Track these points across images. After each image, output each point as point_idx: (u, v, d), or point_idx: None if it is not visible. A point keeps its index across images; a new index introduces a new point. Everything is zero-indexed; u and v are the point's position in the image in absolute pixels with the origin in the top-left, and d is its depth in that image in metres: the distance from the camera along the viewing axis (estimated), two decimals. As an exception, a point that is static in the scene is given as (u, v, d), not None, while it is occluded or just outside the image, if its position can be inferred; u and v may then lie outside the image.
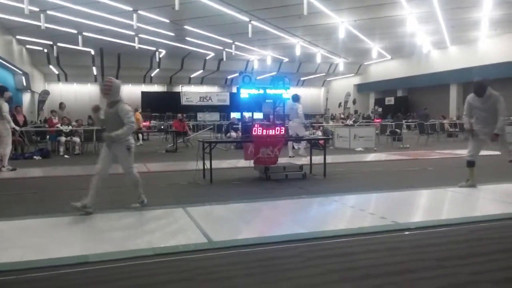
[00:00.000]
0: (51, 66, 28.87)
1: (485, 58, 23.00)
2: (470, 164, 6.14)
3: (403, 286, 2.81)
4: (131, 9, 16.27)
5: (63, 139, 12.70)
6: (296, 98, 11.25)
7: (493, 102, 5.83)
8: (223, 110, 33.42)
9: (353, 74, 35.76)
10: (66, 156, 12.19)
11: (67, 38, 21.46)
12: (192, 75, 34.68)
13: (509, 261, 3.23)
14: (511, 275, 2.95)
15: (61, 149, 12.55)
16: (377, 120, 23.66)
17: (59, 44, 23.31)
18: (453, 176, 7.10)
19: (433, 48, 26.93)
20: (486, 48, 23.81)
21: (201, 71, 32.47)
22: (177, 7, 13.87)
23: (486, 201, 5.53)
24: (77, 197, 4.85)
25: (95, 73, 31.32)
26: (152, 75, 33.60)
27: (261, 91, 7.61)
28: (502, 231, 4.05)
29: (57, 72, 31.32)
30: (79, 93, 34.98)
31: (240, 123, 15.81)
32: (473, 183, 6.11)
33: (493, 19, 18.56)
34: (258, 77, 20.49)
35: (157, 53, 27.21)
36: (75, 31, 20.08)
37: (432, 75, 27.70)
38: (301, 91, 38.98)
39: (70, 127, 13.46)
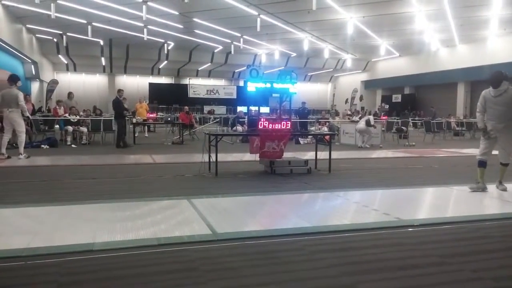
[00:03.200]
0: (60, 56, 29.03)
1: (494, 57, 22.79)
2: (482, 164, 5.84)
3: (405, 281, 2.83)
4: (140, 0, 16.30)
5: (70, 128, 12.81)
6: None
7: (509, 97, 5.61)
8: (230, 104, 33.45)
9: (360, 71, 35.60)
10: (73, 145, 12.30)
11: (76, 28, 21.55)
12: (200, 68, 34.70)
13: (510, 259, 3.24)
14: (513, 273, 2.96)
15: (69, 138, 12.67)
16: (384, 117, 23.56)
17: (68, 33, 23.43)
18: (458, 174, 7.10)
19: (442, 46, 26.72)
20: (496, 47, 23.59)
21: (209, 64, 32.48)
22: (186, -1, 13.88)
23: (491, 199, 5.52)
24: (84, 186, 4.90)
25: (103, 63, 31.45)
26: (160, 67, 33.67)
27: (268, 85, 7.62)
28: (505, 230, 4.06)
29: (66, 62, 31.48)
30: (87, 83, 35.17)
31: (246, 117, 15.84)
32: (484, 186, 5.81)
33: (503, 18, 18.37)
34: (266, 71, 20.42)
35: (165, 45, 27.25)
36: (84, 21, 20.16)
37: (440, 73, 27.52)
38: (308, 86, 39.10)
39: (78, 117, 13.56)
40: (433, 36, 23.46)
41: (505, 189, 5.83)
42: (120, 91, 12.80)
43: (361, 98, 35.55)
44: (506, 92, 5.65)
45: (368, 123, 12.99)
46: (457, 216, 4.59)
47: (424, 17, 18.55)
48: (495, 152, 5.90)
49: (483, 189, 5.81)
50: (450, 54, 27.17)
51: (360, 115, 16.71)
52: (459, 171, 7.51)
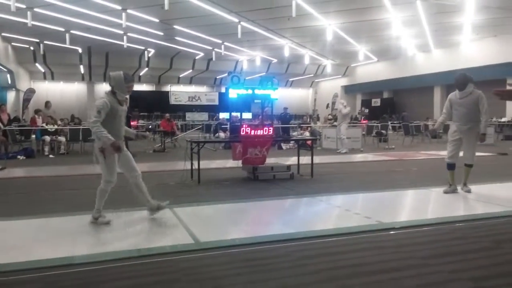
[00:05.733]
0: (37, 64, 28.47)
1: (467, 61, 23.45)
2: (451, 167, 5.99)
3: (388, 284, 2.88)
4: (120, 7, 16.16)
5: (48, 138, 12.54)
6: None
7: (474, 99, 5.74)
8: (212, 110, 33.38)
9: (340, 76, 36.06)
10: (51, 155, 12.05)
11: (54, 36, 21.19)
12: (181, 75, 34.56)
13: (487, 260, 3.33)
14: (490, 272, 3.04)
15: (46, 148, 12.40)
16: (364, 121, 23.91)
17: (46, 42, 23.00)
18: (437, 176, 7.24)
19: (418, 51, 27.35)
20: (469, 52, 24.31)
21: (190, 70, 32.38)
22: (166, 6, 13.83)
23: (468, 201, 5.66)
24: (63, 198, 4.81)
25: (82, 71, 30.98)
26: (141, 74, 33.37)
27: (250, 91, 7.65)
28: (482, 231, 4.16)
29: (43, 70, 30.90)
30: (65, 92, 34.56)
31: (228, 123, 15.82)
32: (455, 188, 5.99)
33: (475, 23, 18.94)
34: (247, 78, 20.49)
35: (146, 52, 27.05)
36: (62, 29, 19.85)
37: (416, 78, 28.14)
38: (289, 92, 39.33)
39: (56, 126, 13.30)
40: (410, 42, 23.99)
41: (469, 191, 5.98)
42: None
43: (327, 106, 34.90)
44: (471, 94, 5.79)
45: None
46: (436, 218, 4.68)
47: (400, 23, 18.97)
48: (480, 153, 6.04)
49: (454, 191, 5.98)
50: (426, 59, 27.82)
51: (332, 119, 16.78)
52: (437, 173, 7.67)
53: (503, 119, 22.44)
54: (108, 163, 4.24)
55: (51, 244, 3.76)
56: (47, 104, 14.67)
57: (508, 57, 21.93)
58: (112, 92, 4.30)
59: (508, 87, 3.94)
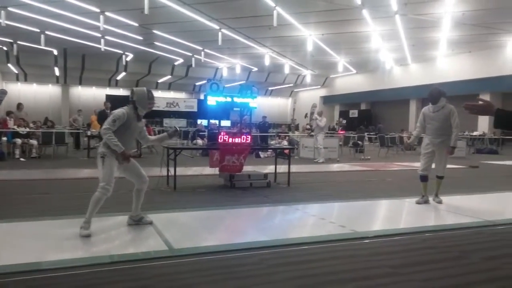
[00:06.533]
0: (9, 65, 27.67)
1: (442, 76, 24.18)
2: (424, 178, 6.13)
3: (358, 293, 2.90)
4: (98, 10, 15.95)
5: (19, 141, 12.18)
6: None
7: (446, 113, 5.90)
8: (191, 117, 33.19)
9: (319, 86, 36.52)
10: (22, 159, 11.71)
11: (28, 37, 20.68)
12: (160, 80, 34.27)
13: (457, 269, 3.41)
14: (459, 281, 3.11)
15: (17, 151, 12.03)
16: (341, 132, 24.23)
17: (19, 42, 22.41)
18: (410, 187, 7.40)
19: (396, 64, 28.06)
20: (444, 67, 25.07)
21: (169, 76, 32.16)
22: (146, 11, 13.73)
23: (439, 212, 5.79)
24: (34, 202, 4.67)
25: (57, 74, 30.32)
26: (118, 78, 32.93)
27: (229, 99, 7.65)
28: (451, 241, 4.26)
29: (16, 72, 30.08)
30: (39, 94, 33.74)
31: (207, 130, 15.76)
32: (427, 199, 6.13)
33: (451, 39, 19.59)
34: (227, 85, 20.47)
35: (123, 56, 26.71)
36: (37, 30, 19.41)
37: (394, 90, 28.80)
38: (269, 101, 39.56)
39: (27, 129, 12.94)
40: (388, 55, 24.59)
41: (440, 202, 6.14)
42: (106, 103, 12.63)
43: (305, 116, 35.00)
44: (444, 108, 5.95)
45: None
46: (408, 228, 4.78)
47: (379, 37, 19.43)
48: (452, 166, 6.21)
49: (426, 202, 6.13)
50: (403, 73, 28.55)
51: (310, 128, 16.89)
52: (410, 184, 7.83)
53: (474, 133, 23.16)
54: (108, 169, 4.19)
55: (19, 248, 3.63)
56: (19, 106, 14.25)
57: (481, 73, 22.71)
58: (134, 107, 4.36)
59: (479, 102, 4.02)
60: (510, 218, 5.43)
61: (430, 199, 6.18)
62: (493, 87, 23.08)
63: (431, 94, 6.05)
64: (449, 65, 24.82)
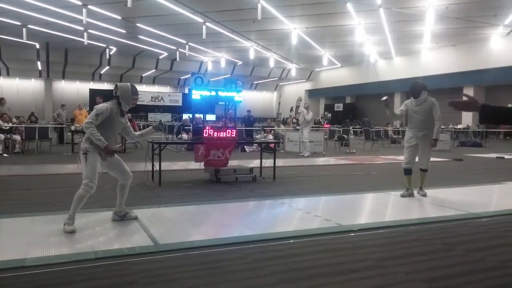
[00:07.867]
0: (-10, 59, 27.09)
1: (426, 69, 24.48)
2: (408, 172, 6.20)
3: (344, 285, 2.93)
4: (80, 3, 15.66)
5: (2, 136, 11.93)
6: None
7: (428, 106, 5.98)
8: (176, 111, 32.97)
9: (304, 80, 36.64)
10: (5, 154, 11.48)
11: (10, 30, 20.22)
12: (144, 74, 33.93)
13: (440, 261, 3.47)
14: (443, 274, 3.17)
15: (0, 147, 11.79)
16: (326, 126, 24.39)
17: (1, 36, 21.91)
18: (395, 180, 7.49)
19: (380, 58, 28.27)
20: (428, 60, 25.36)
21: (154, 70, 31.86)
22: (129, 4, 13.55)
23: (424, 205, 5.88)
24: (16, 198, 4.58)
25: (40, 68, 29.74)
26: (102, 72, 32.48)
27: (213, 93, 7.62)
28: (435, 233, 4.33)
29: (-3, 66, 29.45)
30: (21, 88, 33.09)
31: (191, 125, 15.65)
32: (411, 192, 6.21)
33: (434, 33, 19.82)
34: (212, 79, 20.37)
35: (107, 50, 26.34)
36: (19, 23, 18.97)
37: (378, 84, 29.05)
38: (254, 95, 39.53)
39: (10, 124, 12.67)
40: (372, 49, 24.76)
41: (424, 195, 6.23)
42: (98, 98, 12.44)
43: (291, 109, 35.09)
44: (426, 101, 6.05)
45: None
46: (393, 221, 4.83)
47: (363, 30, 19.54)
48: (437, 159, 6.30)
49: (410, 195, 6.21)
50: (388, 66, 28.81)
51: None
52: (395, 177, 7.93)
53: (458, 126, 23.55)
54: (91, 165, 4.13)
55: (2, 245, 3.57)
56: (2, 101, 13.93)
57: (465, 66, 23.04)
58: (118, 102, 4.31)
59: (464, 98, 4.06)
60: (494, 210, 5.54)
61: (415, 192, 6.27)
62: (477, 80, 23.46)
63: (412, 88, 6.14)
64: (433, 59, 25.11)
